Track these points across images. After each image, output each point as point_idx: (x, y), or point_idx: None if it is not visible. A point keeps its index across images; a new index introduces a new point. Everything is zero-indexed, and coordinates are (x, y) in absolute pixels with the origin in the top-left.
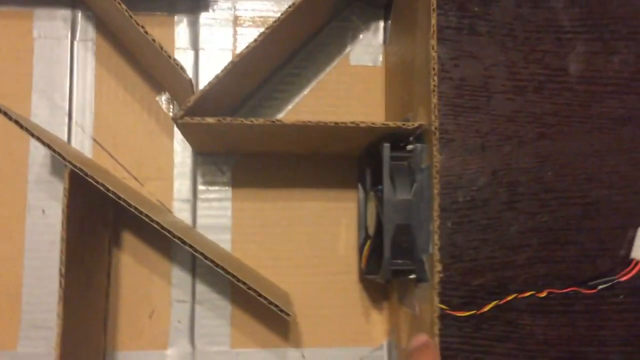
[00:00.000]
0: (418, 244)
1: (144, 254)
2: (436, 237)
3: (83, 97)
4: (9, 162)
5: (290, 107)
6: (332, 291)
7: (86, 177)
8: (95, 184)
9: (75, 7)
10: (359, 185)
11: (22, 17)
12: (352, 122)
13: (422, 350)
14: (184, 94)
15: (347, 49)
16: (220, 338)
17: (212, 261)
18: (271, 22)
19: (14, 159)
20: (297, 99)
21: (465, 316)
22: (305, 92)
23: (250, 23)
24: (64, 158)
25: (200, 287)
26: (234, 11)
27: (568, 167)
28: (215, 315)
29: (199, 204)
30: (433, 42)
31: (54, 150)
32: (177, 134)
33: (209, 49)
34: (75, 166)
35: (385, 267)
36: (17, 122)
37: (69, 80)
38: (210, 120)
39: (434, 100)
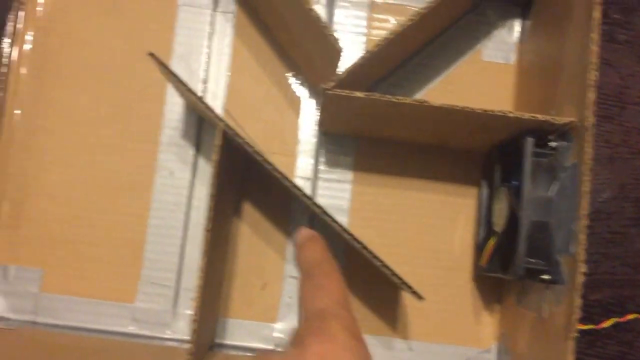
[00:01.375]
0: (555, 243)
1: (262, 226)
2: (582, 237)
3: (218, 66)
4: (143, 123)
5: (417, 96)
6: (443, 287)
7: (235, 138)
8: (246, 146)
9: None
10: (483, 181)
11: None
12: (500, 111)
13: (311, 240)
14: (329, 67)
15: (480, 44)
16: None
17: (351, 235)
18: (406, 9)
19: (149, 121)
20: (424, 90)
21: (584, 330)
22: (434, 83)
23: (386, 9)
24: (217, 116)
25: None
26: None
27: None
28: None
29: (319, 184)
30: (595, 35)
31: (208, 107)
32: (304, 111)
33: (342, 31)
34: (228, 126)
35: (518, 264)
36: (176, 78)
37: (207, 49)
38: (359, 94)
39: (591, 95)
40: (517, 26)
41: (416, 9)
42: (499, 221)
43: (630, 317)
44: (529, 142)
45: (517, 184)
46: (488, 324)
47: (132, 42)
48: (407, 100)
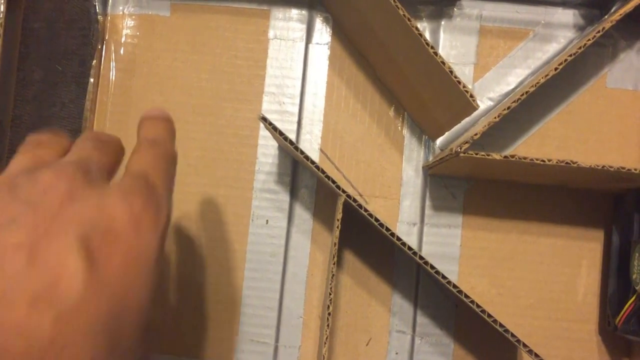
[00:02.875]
0: None
1: (365, 277)
2: None
3: (313, 103)
4: (235, 168)
5: (534, 130)
6: (565, 340)
7: (359, 210)
8: (368, 217)
9: (313, 7)
10: (614, 228)
11: (260, 16)
12: None
13: (158, 119)
14: (451, 119)
15: (604, 70)
16: None
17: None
18: (518, 33)
19: (241, 165)
20: (542, 122)
21: None
22: (552, 115)
23: (497, 35)
24: (338, 187)
25: (422, 319)
26: (480, 21)
27: None
28: (436, 351)
29: (426, 229)
30: None
31: (328, 177)
32: (407, 150)
33: (447, 58)
34: (349, 196)
35: None
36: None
37: (300, 85)
38: (497, 156)
39: None
40: None
41: (560, 56)
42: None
43: None
44: None
45: None
46: None
47: (221, 81)
48: (552, 161)
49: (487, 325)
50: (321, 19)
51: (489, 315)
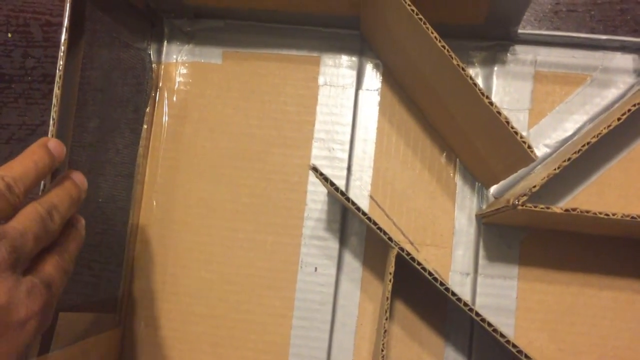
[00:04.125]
0: None
1: (416, 328)
2: None
3: (363, 150)
4: (284, 215)
5: (594, 177)
6: None
7: (412, 263)
8: (420, 269)
9: (363, 54)
10: None
11: (310, 63)
12: None
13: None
14: (506, 169)
15: None
16: None
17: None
18: (575, 78)
19: (290, 212)
20: (603, 169)
21: None
22: (614, 162)
23: (553, 80)
24: (390, 239)
25: None
26: (535, 66)
27: None
28: None
29: (480, 280)
30: None
31: (380, 228)
32: (459, 198)
33: (501, 104)
34: (402, 249)
35: None
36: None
37: (350, 131)
38: (556, 210)
39: None
40: None
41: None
42: None
43: None
44: None
45: None
46: None
47: (271, 127)
48: (617, 215)
49: None
50: (371, 65)
51: None
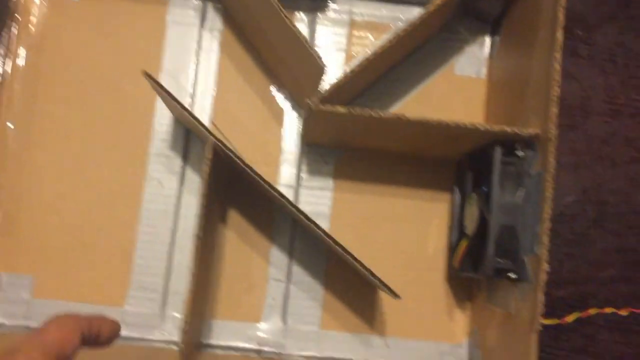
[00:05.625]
0: (521, 245)
1: (247, 232)
2: (545, 238)
3: (206, 82)
4: (133, 136)
5: (394, 108)
6: (419, 286)
7: (226, 150)
8: (236, 158)
9: None
10: (455, 188)
11: (159, 3)
12: (472, 124)
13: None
14: (312, 83)
15: (453, 59)
16: (310, 318)
17: (341, 246)
18: (384, 26)
19: (138, 133)
20: (400, 103)
21: (549, 325)
22: (409, 96)
23: (365, 27)
24: (207, 130)
25: (296, 269)
26: (351, 15)
27: None
28: (308, 296)
29: (302, 191)
30: (558, 55)
31: (199, 122)
32: (287, 123)
33: (323, 47)
34: (217, 139)
35: (488, 264)
36: (169, 95)
37: (194, 65)
38: (341, 109)
39: (554, 109)
40: (487, 42)
41: (395, 30)
42: (470, 225)
43: (592, 312)
44: (498, 151)
45: (486, 190)
46: (460, 321)
47: (122, 60)
48: (386, 114)
49: (351, 272)
50: (214, 7)
51: (356, 259)
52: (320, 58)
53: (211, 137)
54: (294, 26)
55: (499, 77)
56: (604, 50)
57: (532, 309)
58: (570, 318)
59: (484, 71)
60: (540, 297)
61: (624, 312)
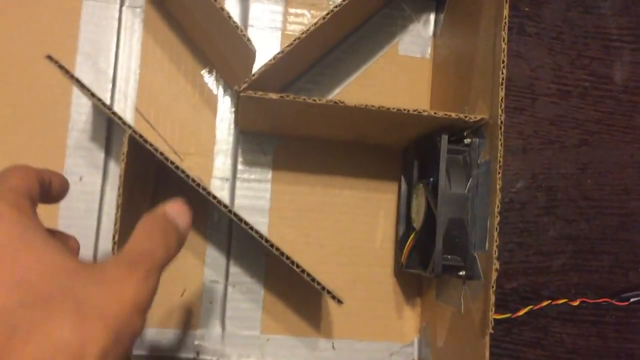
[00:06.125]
0: (470, 240)
1: None
2: (495, 234)
3: (128, 64)
4: (49, 127)
5: (335, 92)
6: (366, 283)
7: (145, 144)
8: (154, 152)
9: None
10: (402, 177)
11: None
12: (414, 110)
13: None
14: (244, 67)
15: (396, 39)
16: (250, 322)
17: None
18: (322, 3)
19: (54, 124)
20: (341, 86)
21: (500, 319)
22: (351, 79)
23: (301, 3)
24: (124, 122)
25: (234, 269)
26: None
27: (607, 177)
28: (248, 299)
29: (238, 184)
30: (504, 34)
31: (114, 112)
32: (220, 109)
33: (257, 26)
34: (135, 132)
35: (436, 262)
36: (78, 82)
37: (115, 46)
38: (273, 96)
39: (502, 93)
40: (432, 20)
41: (330, 6)
42: (417, 218)
43: (545, 303)
44: (444, 139)
45: (433, 180)
46: (410, 318)
47: (32, 42)
48: (322, 100)
49: (294, 273)
50: None
51: (297, 266)
52: (250, 41)
53: (128, 128)
54: (221, 6)
55: (444, 58)
56: (552, 28)
57: (484, 310)
58: (522, 312)
59: (429, 51)
60: (492, 299)
61: (575, 303)
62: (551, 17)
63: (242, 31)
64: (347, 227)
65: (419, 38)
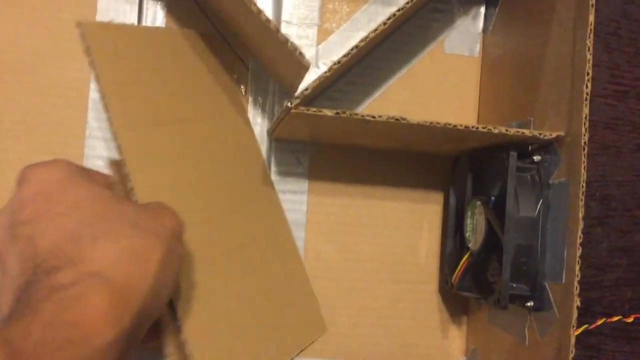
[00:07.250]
0: (541, 269)
1: None
2: (577, 268)
3: None
4: (64, 134)
5: (377, 93)
6: (409, 301)
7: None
8: None
9: None
10: (451, 189)
11: None
12: (484, 127)
13: None
14: (289, 78)
15: (442, 36)
16: None
17: None
18: None
19: (70, 131)
20: (385, 86)
21: None
22: (394, 79)
23: None
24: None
25: None
26: None
27: None
28: None
29: None
30: (589, 43)
31: None
32: (251, 116)
33: (292, 22)
34: None
35: (502, 293)
36: None
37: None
38: (327, 112)
39: (585, 110)
40: (482, 15)
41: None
42: (473, 238)
43: (600, 322)
44: (512, 157)
45: (495, 199)
46: (456, 338)
47: (43, 37)
48: (382, 117)
49: None
50: None
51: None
52: (302, 54)
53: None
54: (267, 19)
55: (497, 57)
56: (608, 22)
57: (558, 348)
58: (578, 332)
59: (478, 49)
60: (572, 339)
61: (629, 319)
62: (608, 11)
63: (292, 45)
64: (390, 241)
65: (467, 34)
